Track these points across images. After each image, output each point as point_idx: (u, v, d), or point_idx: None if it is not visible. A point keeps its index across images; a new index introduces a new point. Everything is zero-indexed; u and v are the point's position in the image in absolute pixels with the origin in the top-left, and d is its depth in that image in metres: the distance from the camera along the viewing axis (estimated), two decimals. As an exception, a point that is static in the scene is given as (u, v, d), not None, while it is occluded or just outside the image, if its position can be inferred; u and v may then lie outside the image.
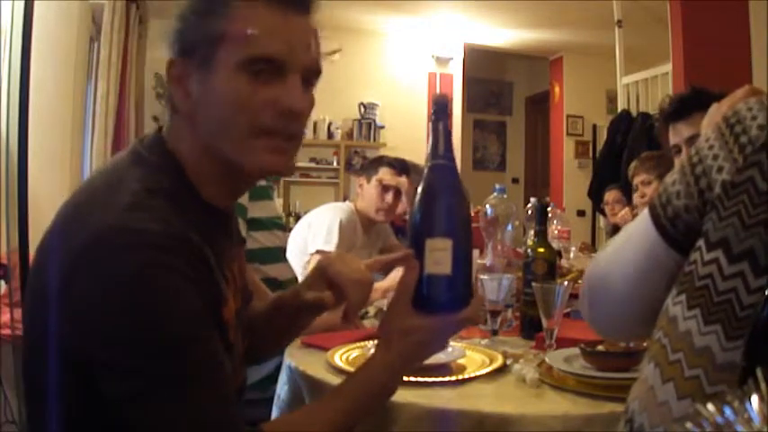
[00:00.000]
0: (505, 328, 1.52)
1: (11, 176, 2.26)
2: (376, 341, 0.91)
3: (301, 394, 1.22)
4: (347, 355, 1.27)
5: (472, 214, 2.18)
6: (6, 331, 2.25)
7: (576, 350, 1.18)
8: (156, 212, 0.75)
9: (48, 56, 2.97)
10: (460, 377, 1.15)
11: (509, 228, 1.89)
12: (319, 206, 2.64)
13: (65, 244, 0.74)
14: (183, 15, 0.83)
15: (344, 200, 3.16)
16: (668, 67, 4.22)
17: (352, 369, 1.14)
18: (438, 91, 6.65)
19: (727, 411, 0.47)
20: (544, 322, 1.29)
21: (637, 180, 2.93)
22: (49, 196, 2.59)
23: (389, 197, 2.50)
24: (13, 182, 2.13)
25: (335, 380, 1.13)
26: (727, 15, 3.88)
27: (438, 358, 1.21)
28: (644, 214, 0.79)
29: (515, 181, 8.67)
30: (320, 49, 0.87)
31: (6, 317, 2.27)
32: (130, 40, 4.46)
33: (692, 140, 1.79)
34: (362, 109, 6.43)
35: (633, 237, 0.80)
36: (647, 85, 4.78)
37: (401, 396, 1.02)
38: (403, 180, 2.53)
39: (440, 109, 0.87)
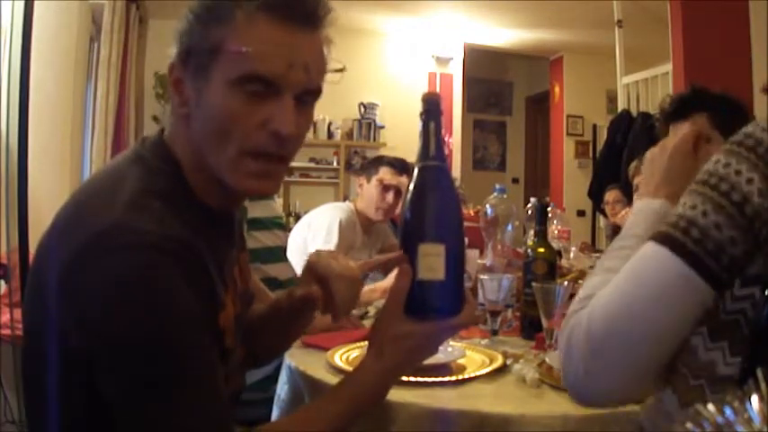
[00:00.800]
0: (505, 328, 1.52)
1: (11, 176, 2.26)
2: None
3: (301, 394, 1.22)
4: (347, 355, 1.27)
5: (472, 214, 2.18)
6: (6, 331, 2.25)
7: (576, 350, 1.18)
8: (155, 213, 0.75)
9: (48, 56, 2.97)
10: (460, 377, 1.15)
11: (509, 228, 1.89)
12: (319, 206, 2.64)
13: (64, 243, 0.74)
14: (188, 19, 0.81)
15: (344, 200, 3.16)
16: (668, 67, 4.22)
17: (351, 369, 1.14)
18: (438, 91, 6.66)
19: (728, 411, 0.47)
20: (544, 322, 1.29)
21: (637, 180, 2.93)
22: (49, 196, 2.59)
23: (390, 197, 2.50)
24: (13, 182, 2.13)
25: (335, 380, 1.12)
26: (727, 15, 3.88)
27: (438, 358, 1.21)
28: (656, 254, 0.71)
29: (515, 181, 8.67)
30: (324, 67, 0.85)
31: (6, 317, 2.27)
32: (130, 40, 4.46)
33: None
34: (362, 109, 6.42)
35: (649, 280, 0.70)
36: (647, 85, 4.78)
37: (401, 396, 1.02)
38: (403, 180, 2.53)
39: (431, 108, 0.84)
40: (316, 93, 0.84)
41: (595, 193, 4.87)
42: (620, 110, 5.01)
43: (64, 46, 3.27)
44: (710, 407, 0.47)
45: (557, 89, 7.37)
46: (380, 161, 2.63)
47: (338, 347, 1.31)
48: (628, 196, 3.51)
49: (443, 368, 1.19)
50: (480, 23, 6.25)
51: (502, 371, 1.20)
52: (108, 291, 0.70)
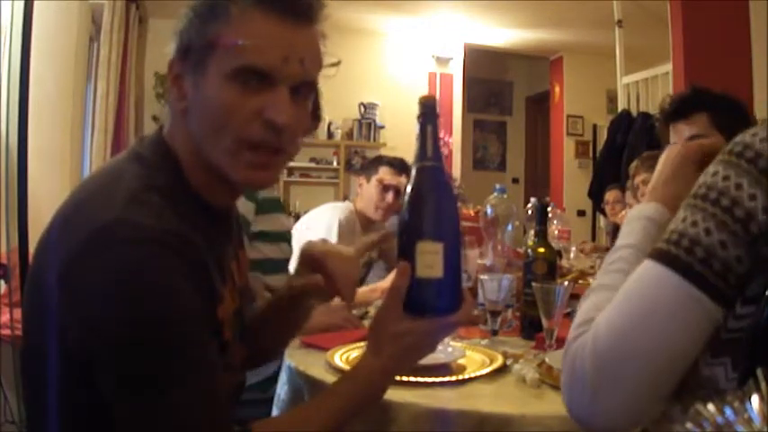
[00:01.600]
0: (505, 328, 1.52)
1: (11, 176, 2.26)
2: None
3: (301, 394, 1.22)
4: (347, 355, 1.27)
5: (472, 214, 2.18)
6: (6, 331, 2.25)
7: (576, 350, 1.18)
8: (154, 209, 0.76)
9: (48, 56, 2.97)
10: (460, 377, 1.15)
11: (509, 228, 1.89)
12: (318, 206, 2.64)
13: (64, 241, 0.75)
14: (187, 15, 0.83)
15: (344, 200, 3.16)
16: (668, 67, 4.22)
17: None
18: (438, 91, 6.66)
19: (728, 411, 0.47)
20: (544, 322, 1.29)
21: (638, 179, 2.93)
22: (49, 196, 2.59)
23: (389, 196, 2.50)
24: (13, 182, 2.13)
25: (335, 380, 1.13)
26: (727, 15, 3.88)
27: (438, 358, 1.22)
28: (661, 275, 0.68)
29: (515, 181, 8.67)
30: (320, 61, 0.86)
31: (6, 317, 2.27)
32: (130, 40, 4.46)
33: (692, 140, 1.79)
34: (362, 109, 6.43)
35: (657, 303, 0.68)
36: (647, 85, 4.78)
37: (401, 396, 1.02)
38: (403, 179, 2.53)
39: (427, 111, 0.85)
40: (311, 85, 0.85)
41: (595, 193, 4.87)
42: (620, 110, 5.01)
43: (64, 46, 3.27)
44: (710, 407, 0.47)
45: (557, 89, 7.37)
46: (380, 161, 2.63)
47: (338, 347, 1.31)
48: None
49: (443, 368, 1.18)
50: (480, 23, 6.24)
51: (502, 371, 1.20)
52: (107, 286, 0.71)
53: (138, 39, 4.78)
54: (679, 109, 1.83)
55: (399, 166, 2.58)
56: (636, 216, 0.88)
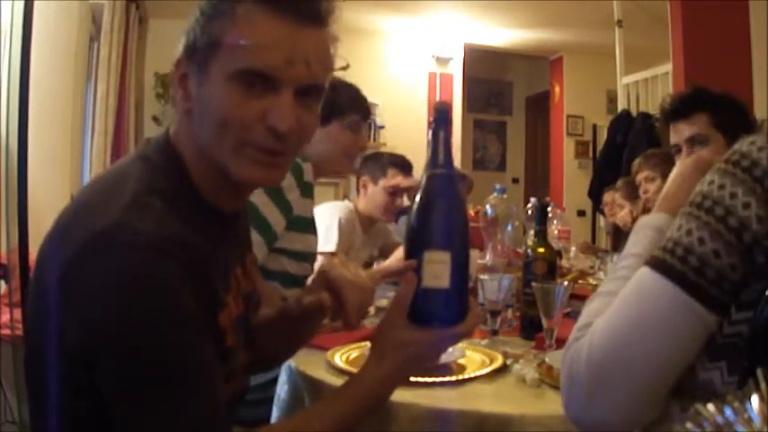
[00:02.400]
0: (505, 328, 1.52)
1: (11, 176, 2.26)
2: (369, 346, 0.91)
3: (301, 394, 1.22)
4: (347, 355, 1.27)
5: (472, 214, 2.18)
6: (6, 331, 2.25)
7: (576, 350, 1.18)
8: (155, 213, 0.75)
9: (48, 56, 2.97)
10: (460, 377, 1.15)
11: (509, 228, 1.89)
12: (318, 206, 2.63)
13: (65, 244, 0.74)
14: (195, 16, 0.82)
15: (344, 199, 3.15)
16: (668, 67, 4.22)
17: (352, 369, 1.14)
18: (438, 90, 6.66)
19: (728, 411, 0.47)
20: (544, 322, 1.29)
21: (640, 176, 2.94)
22: (48, 196, 2.59)
23: (400, 201, 2.47)
24: (13, 182, 2.13)
25: (335, 380, 1.13)
26: (727, 15, 3.88)
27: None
28: (656, 283, 0.69)
29: (515, 181, 8.66)
30: (330, 64, 0.84)
31: (6, 317, 2.27)
32: (130, 40, 4.45)
33: (692, 140, 1.79)
34: (362, 109, 6.42)
35: (651, 309, 0.69)
36: (647, 85, 4.78)
37: (401, 396, 1.02)
38: (411, 179, 2.50)
39: (441, 116, 0.84)
40: (319, 88, 0.83)
41: (595, 194, 4.87)
42: (620, 110, 5.01)
43: (64, 46, 3.27)
44: (710, 407, 0.47)
45: (557, 89, 7.37)
46: (383, 161, 2.58)
47: (338, 347, 1.31)
48: (628, 196, 3.51)
49: (443, 368, 1.18)
50: (480, 23, 6.24)
51: (502, 371, 1.20)
52: (106, 290, 0.71)
53: (138, 39, 4.77)
54: (679, 109, 1.83)
55: (407, 166, 2.56)
56: (644, 225, 0.89)
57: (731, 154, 0.70)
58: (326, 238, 2.32)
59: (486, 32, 6.54)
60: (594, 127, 6.96)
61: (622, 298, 0.72)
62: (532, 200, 2.33)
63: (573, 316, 1.58)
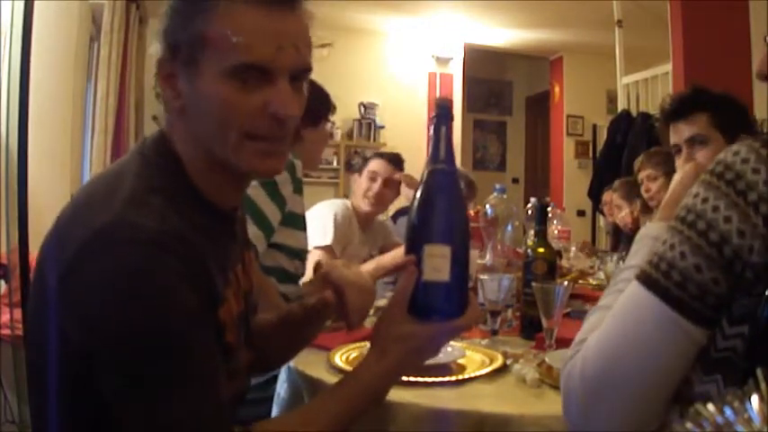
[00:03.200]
0: (505, 328, 1.52)
1: (11, 176, 2.26)
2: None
3: (301, 393, 1.22)
4: (347, 355, 1.27)
5: (472, 214, 2.19)
6: (6, 331, 2.25)
7: (576, 350, 1.18)
8: (154, 209, 0.75)
9: (48, 56, 2.97)
10: (460, 377, 1.15)
11: (509, 228, 1.89)
12: (316, 204, 2.65)
13: (65, 242, 0.75)
14: (168, 15, 0.81)
15: (344, 199, 3.16)
16: (668, 67, 4.22)
17: (352, 369, 1.14)
18: (438, 91, 6.66)
19: (727, 411, 0.47)
20: (544, 322, 1.29)
21: (642, 174, 2.93)
22: (48, 196, 2.59)
23: (376, 186, 2.51)
24: (13, 182, 2.13)
25: (335, 380, 1.12)
26: (727, 15, 3.88)
27: (438, 358, 1.21)
28: (641, 297, 0.70)
29: (515, 181, 8.66)
30: (310, 45, 0.85)
31: (6, 317, 2.28)
32: (130, 40, 4.45)
33: (692, 140, 1.79)
34: (362, 109, 6.42)
35: (637, 325, 0.70)
36: (647, 85, 4.78)
37: (401, 396, 1.02)
38: (393, 170, 2.56)
39: (442, 112, 0.85)
40: (307, 71, 0.85)
41: (595, 194, 4.87)
42: (620, 110, 5.01)
43: (64, 46, 3.27)
44: (710, 407, 0.47)
45: (557, 89, 7.37)
46: (372, 156, 2.69)
47: (338, 347, 1.31)
48: (625, 196, 3.50)
49: (443, 368, 1.18)
50: (480, 23, 6.24)
51: (502, 371, 1.20)
52: (106, 287, 0.71)
53: (138, 39, 4.77)
54: (679, 109, 1.83)
55: (391, 158, 2.61)
56: (644, 235, 0.89)
57: (716, 165, 0.70)
58: (323, 233, 2.34)
59: (486, 32, 6.54)
60: (594, 127, 6.96)
61: (613, 313, 0.73)
62: (532, 200, 2.33)
63: (573, 316, 1.58)
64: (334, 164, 6.35)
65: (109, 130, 3.93)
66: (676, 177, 1.01)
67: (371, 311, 1.76)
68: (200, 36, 0.78)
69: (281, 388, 1.31)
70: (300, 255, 1.83)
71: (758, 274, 0.64)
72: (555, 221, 2.78)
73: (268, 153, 0.83)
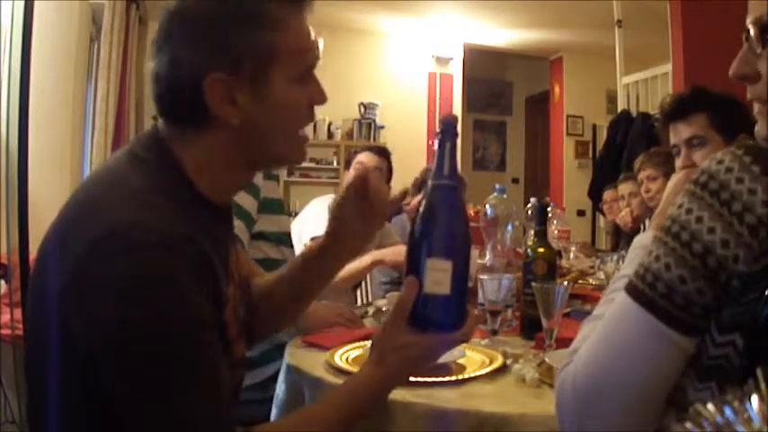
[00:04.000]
0: (505, 328, 1.52)
1: (11, 176, 2.26)
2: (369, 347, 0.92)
3: (300, 394, 1.22)
4: (347, 355, 1.27)
5: (472, 214, 2.19)
6: (6, 331, 2.25)
7: (575, 350, 1.18)
8: (160, 211, 0.76)
9: (48, 56, 2.97)
10: (460, 377, 1.15)
11: (509, 228, 1.88)
12: (312, 200, 2.71)
13: (70, 245, 0.74)
14: (212, 30, 0.80)
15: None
16: (668, 67, 4.22)
17: (352, 369, 1.15)
18: (438, 91, 6.66)
19: (727, 411, 0.47)
20: (544, 322, 1.29)
21: (642, 175, 2.92)
22: (49, 196, 2.59)
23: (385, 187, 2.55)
24: (13, 182, 2.13)
25: (335, 380, 1.13)
26: (727, 15, 3.86)
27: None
28: (628, 308, 0.70)
29: (515, 181, 8.67)
30: None
31: (6, 317, 2.28)
32: (130, 40, 4.45)
33: (690, 141, 1.79)
34: (362, 109, 6.43)
35: (625, 336, 0.70)
36: (647, 85, 4.78)
37: (401, 396, 1.02)
38: (380, 161, 2.66)
39: (447, 129, 0.88)
40: None
41: (595, 193, 4.86)
42: (619, 110, 5.01)
43: (64, 46, 3.27)
44: (710, 407, 0.47)
45: (557, 89, 7.37)
46: (359, 150, 2.83)
47: (338, 347, 1.31)
48: (664, 164, 3.45)
49: (443, 368, 1.18)
50: (480, 23, 6.25)
51: (502, 371, 1.20)
52: (116, 290, 0.71)
53: (138, 39, 4.77)
54: (678, 109, 1.83)
55: (377, 150, 2.73)
56: (638, 245, 0.89)
57: (700, 174, 0.69)
58: (319, 223, 2.36)
59: (486, 32, 6.54)
60: (594, 127, 6.96)
61: (602, 324, 0.74)
62: (532, 200, 2.33)
63: (573, 316, 1.58)
64: (334, 164, 6.35)
65: (109, 130, 3.93)
66: (669, 185, 1.01)
67: (371, 311, 1.77)
68: (269, 49, 0.81)
69: (280, 389, 1.31)
70: (284, 239, 1.83)
71: (745, 283, 0.64)
72: (555, 221, 2.78)
73: (306, 141, 0.91)
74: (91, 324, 0.72)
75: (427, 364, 0.91)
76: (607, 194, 4.08)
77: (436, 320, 0.84)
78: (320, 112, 6.14)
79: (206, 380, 0.75)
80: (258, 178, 1.69)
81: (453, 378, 1.14)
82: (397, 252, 2.15)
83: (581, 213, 6.57)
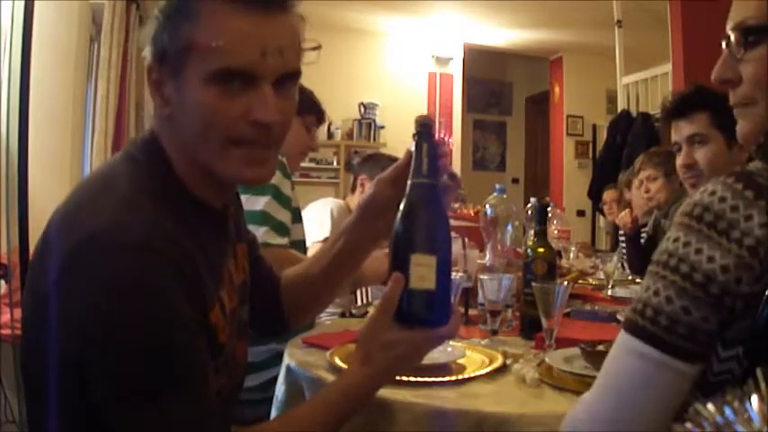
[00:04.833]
0: (505, 328, 1.52)
1: (11, 176, 2.26)
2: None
3: (298, 394, 1.22)
4: (347, 355, 1.27)
5: (472, 214, 2.18)
6: (6, 331, 2.25)
7: (575, 350, 1.18)
8: (147, 214, 0.75)
9: (48, 56, 2.97)
10: (460, 377, 1.15)
11: (509, 228, 1.88)
12: (312, 202, 2.69)
13: (58, 245, 0.75)
14: (158, 20, 0.80)
15: (344, 199, 3.17)
16: (668, 67, 4.22)
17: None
18: (438, 91, 6.66)
19: (727, 411, 0.46)
20: (544, 322, 1.29)
21: (642, 175, 2.91)
22: (49, 196, 2.58)
23: None
24: (13, 182, 2.13)
25: (324, 387, 1.13)
26: (727, 15, 3.87)
27: (438, 358, 1.21)
28: (631, 346, 0.71)
29: (515, 181, 8.67)
30: (300, 48, 0.84)
31: (6, 317, 2.27)
32: (130, 40, 4.45)
33: (691, 139, 1.80)
34: (362, 109, 6.43)
35: (630, 374, 0.71)
36: (647, 85, 4.79)
37: (401, 396, 1.02)
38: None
39: (423, 130, 0.89)
40: (295, 75, 0.83)
41: (595, 194, 4.87)
42: (619, 110, 5.01)
43: (64, 46, 3.27)
44: (710, 407, 0.47)
45: (557, 89, 7.37)
46: (382, 161, 2.61)
47: (338, 347, 1.31)
48: (665, 164, 3.43)
49: (443, 368, 1.18)
50: (480, 23, 6.25)
51: (502, 371, 1.20)
52: (99, 293, 0.71)
53: (138, 39, 4.77)
54: (680, 107, 1.83)
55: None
56: None
57: (693, 207, 0.70)
58: (321, 227, 2.36)
59: (486, 32, 6.54)
60: (594, 127, 6.96)
61: (605, 368, 0.74)
62: (532, 200, 2.32)
63: (573, 316, 1.58)
64: (334, 164, 6.35)
65: (109, 130, 3.93)
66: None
67: (371, 310, 1.76)
68: (184, 42, 0.77)
69: (279, 390, 1.31)
70: (302, 247, 1.87)
71: (749, 303, 0.65)
72: (555, 221, 2.78)
73: (253, 160, 0.82)
74: (74, 328, 0.72)
75: (415, 362, 0.90)
76: (607, 195, 4.08)
77: (422, 316, 0.85)
78: (320, 111, 5.98)
79: (189, 382, 0.74)
80: (288, 189, 1.71)
81: (453, 378, 1.14)
82: (374, 265, 2.06)
83: (581, 213, 6.57)
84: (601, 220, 5.48)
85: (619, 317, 1.54)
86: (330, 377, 1.15)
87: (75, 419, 0.77)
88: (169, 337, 0.73)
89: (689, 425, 0.47)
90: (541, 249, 1.53)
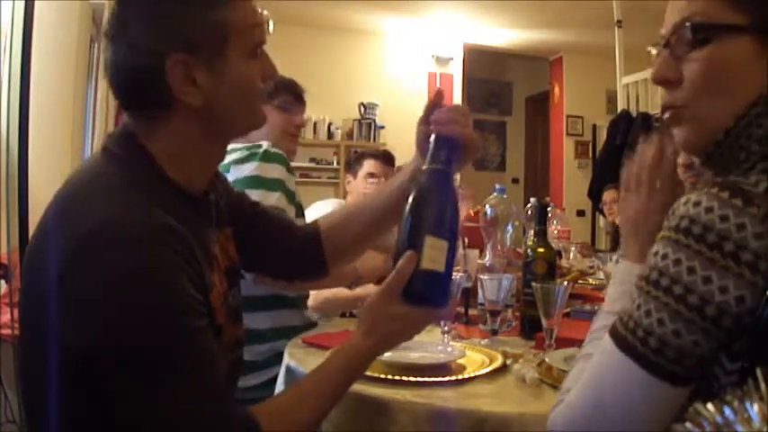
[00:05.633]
0: (505, 328, 1.52)
1: (11, 176, 2.26)
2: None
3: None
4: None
5: (472, 214, 2.19)
6: (6, 331, 2.25)
7: (575, 350, 1.18)
8: (138, 205, 0.77)
9: (48, 56, 2.97)
10: (460, 377, 1.15)
11: (509, 228, 1.88)
12: (313, 203, 2.70)
13: (56, 244, 0.75)
14: (169, 10, 0.81)
15: (344, 199, 3.18)
16: (668, 67, 4.21)
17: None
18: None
19: (727, 411, 0.47)
20: (544, 322, 1.29)
21: None
22: (49, 196, 2.58)
23: (374, 186, 2.56)
24: (13, 182, 2.13)
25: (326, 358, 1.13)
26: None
27: (438, 358, 1.22)
28: (619, 362, 0.69)
29: (515, 181, 8.67)
30: None
31: (6, 317, 2.27)
32: (130, 40, 4.45)
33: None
34: (362, 109, 6.42)
35: (616, 389, 0.69)
36: (647, 85, 4.79)
37: (401, 396, 1.02)
38: (388, 170, 2.62)
39: (447, 144, 0.93)
40: None
41: (595, 194, 4.87)
42: (619, 110, 5.02)
43: (64, 46, 3.27)
44: (710, 407, 0.47)
45: (556, 89, 7.37)
46: (362, 156, 2.76)
47: (338, 347, 1.30)
48: None
49: (443, 368, 1.19)
50: (480, 23, 6.25)
51: (502, 371, 1.20)
52: (103, 289, 0.71)
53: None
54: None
55: (383, 157, 2.66)
56: (620, 280, 0.85)
57: (680, 220, 0.66)
58: None
59: (486, 32, 6.54)
60: (594, 127, 6.96)
61: (592, 372, 0.72)
62: (532, 200, 2.33)
63: (573, 316, 1.58)
64: (334, 164, 6.35)
65: (109, 130, 3.93)
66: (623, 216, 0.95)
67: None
68: (223, 27, 0.82)
69: (279, 390, 1.31)
70: None
71: (758, 317, 0.64)
72: (555, 221, 2.78)
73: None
74: (82, 324, 0.73)
75: (409, 338, 0.94)
76: (607, 195, 4.09)
77: (428, 296, 0.89)
78: (320, 111, 6.12)
79: (202, 374, 0.75)
80: (292, 184, 1.72)
81: (453, 378, 1.14)
82: (370, 264, 2.05)
83: (581, 213, 6.57)
84: (601, 220, 5.49)
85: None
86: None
87: (76, 417, 0.77)
88: (178, 322, 0.74)
89: (689, 425, 0.47)
90: (541, 249, 1.53)
